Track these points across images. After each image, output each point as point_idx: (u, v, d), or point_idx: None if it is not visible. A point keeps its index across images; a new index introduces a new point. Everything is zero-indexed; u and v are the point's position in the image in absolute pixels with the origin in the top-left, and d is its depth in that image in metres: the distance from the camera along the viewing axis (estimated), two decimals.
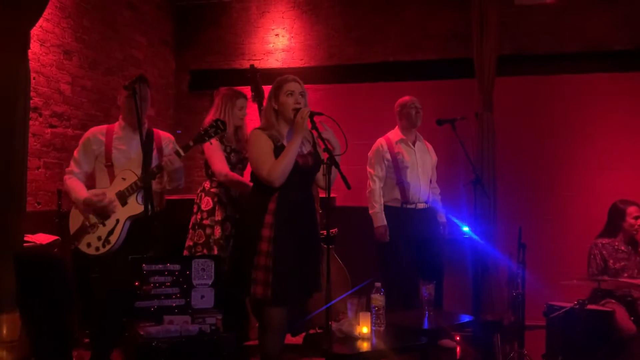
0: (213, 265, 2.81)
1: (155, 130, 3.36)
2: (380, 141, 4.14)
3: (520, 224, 3.88)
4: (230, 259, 3.35)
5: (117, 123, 3.30)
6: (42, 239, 3.55)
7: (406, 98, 4.15)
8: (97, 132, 3.24)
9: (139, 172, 3.07)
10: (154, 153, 3.24)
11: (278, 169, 2.82)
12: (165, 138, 3.36)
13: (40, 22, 3.81)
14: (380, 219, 4.01)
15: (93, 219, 3.11)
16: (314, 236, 3.00)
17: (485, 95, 4.70)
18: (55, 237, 3.67)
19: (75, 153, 3.25)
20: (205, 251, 3.41)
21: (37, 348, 3.25)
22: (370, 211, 4.05)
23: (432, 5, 5.32)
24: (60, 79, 4.28)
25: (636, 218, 3.97)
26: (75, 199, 3.14)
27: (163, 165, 3.05)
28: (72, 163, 3.26)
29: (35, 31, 3.73)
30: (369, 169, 4.12)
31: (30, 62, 3.20)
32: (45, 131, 4.14)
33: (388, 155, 4.07)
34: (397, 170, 4.03)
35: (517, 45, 5.12)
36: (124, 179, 3.11)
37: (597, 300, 3.85)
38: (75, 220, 3.17)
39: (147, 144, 3.17)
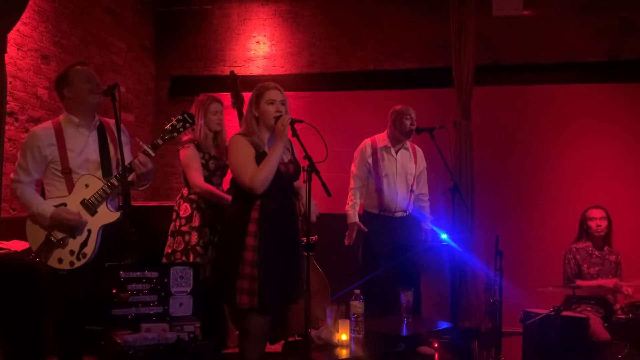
0: (192, 273, 2.78)
1: (103, 119, 3.00)
2: (366, 142, 4.17)
3: (497, 232, 3.93)
4: (210, 267, 3.34)
5: (60, 119, 2.92)
6: (17, 245, 3.48)
7: (404, 107, 4.09)
8: (45, 134, 2.84)
9: (98, 174, 2.85)
10: (112, 150, 2.93)
11: (260, 176, 2.82)
12: (114, 125, 2.92)
13: (18, 25, 3.75)
14: (350, 216, 4.08)
15: (59, 233, 2.81)
16: (296, 244, 3.00)
17: (463, 104, 4.78)
18: None
19: (22, 160, 2.86)
20: (184, 258, 3.38)
21: (10, 357, 3.19)
22: (345, 207, 4.12)
23: (412, 15, 5.39)
24: (37, 84, 4.22)
25: (593, 219, 4.07)
26: (38, 214, 2.81)
27: (133, 168, 2.80)
28: (18, 171, 2.87)
29: (12, 35, 3.67)
30: (352, 167, 4.18)
31: (6, 66, 3.16)
32: (21, 136, 4.07)
33: (370, 160, 4.11)
34: (376, 177, 4.07)
35: (494, 55, 5.21)
36: (87, 185, 2.82)
37: (572, 306, 3.92)
38: (36, 235, 2.84)
39: (102, 140, 2.86)
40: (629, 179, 4.99)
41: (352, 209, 4.10)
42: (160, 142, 2.86)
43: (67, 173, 2.82)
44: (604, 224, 4.07)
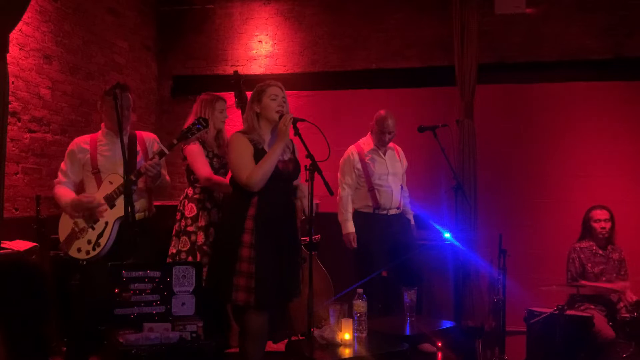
0: (194, 272, 2.78)
1: (138, 132, 3.38)
2: (352, 149, 4.13)
3: (500, 231, 3.92)
4: (210, 265, 3.34)
5: (100, 131, 3.32)
6: (20, 245, 3.49)
7: (383, 117, 4.04)
8: (80, 141, 3.27)
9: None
10: (139, 156, 3.26)
11: (258, 174, 2.82)
12: (149, 139, 3.39)
13: (20, 25, 3.76)
14: (348, 227, 4.04)
15: (82, 223, 3.13)
16: (294, 241, 3.00)
17: (466, 103, 4.76)
18: (34, 244, 3.61)
19: (62, 164, 3.29)
20: (190, 258, 3.38)
21: (12, 356, 3.19)
22: (339, 218, 4.07)
23: (414, 14, 5.38)
24: (40, 84, 4.22)
25: (597, 221, 4.04)
26: (64, 203, 3.17)
27: (142, 172, 3.07)
28: (59, 174, 3.29)
29: (14, 35, 3.68)
30: (339, 176, 4.12)
31: (9, 66, 3.16)
32: (23, 136, 4.08)
33: (359, 165, 4.07)
34: (368, 178, 4.04)
35: (497, 53, 5.19)
36: (110, 182, 3.13)
37: (576, 305, 3.90)
38: (65, 228, 3.18)
39: (130, 148, 3.20)
40: (633, 177, 4.97)
41: (349, 219, 4.04)
42: (175, 141, 3.13)
43: (96, 173, 3.21)
44: (608, 226, 4.04)
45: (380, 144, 4.10)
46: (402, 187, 4.16)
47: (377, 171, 4.06)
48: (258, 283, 2.78)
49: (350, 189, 4.10)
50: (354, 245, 4.01)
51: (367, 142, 4.16)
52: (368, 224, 4.04)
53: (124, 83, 3.15)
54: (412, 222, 4.21)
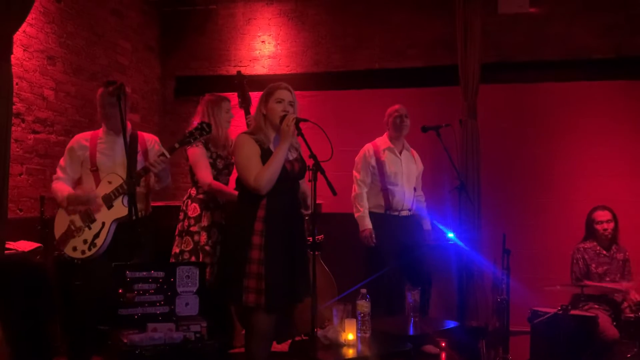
0: (198, 273, 2.79)
1: (139, 132, 3.38)
2: (368, 147, 4.17)
3: (504, 230, 3.91)
4: (217, 266, 3.34)
5: (101, 129, 3.31)
6: (24, 246, 3.50)
7: (394, 107, 4.17)
8: (81, 138, 3.26)
9: (124, 175, 3.07)
10: (139, 156, 3.24)
11: (265, 177, 2.81)
12: (150, 140, 3.37)
13: (24, 27, 3.77)
14: (365, 223, 4.04)
15: (79, 222, 3.12)
16: (302, 242, 3.00)
17: (470, 103, 4.75)
18: (38, 245, 3.62)
19: (61, 161, 3.29)
20: (193, 258, 3.39)
21: (16, 357, 3.20)
22: (356, 215, 4.08)
23: (417, 13, 5.37)
24: (43, 85, 4.23)
25: (600, 223, 4.03)
26: (61, 197, 3.17)
27: (148, 168, 3.06)
28: (58, 170, 3.28)
29: (18, 36, 3.69)
30: (354, 173, 4.16)
31: (12, 67, 3.17)
32: (28, 137, 4.10)
33: (374, 162, 4.10)
34: (382, 177, 4.06)
35: (500, 53, 5.18)
36: (109, 182, 3.11)
37: (580, 305, 3.89)
38: (61, 225, 3.17)
39: (131, 147, 3.18)
40: (637, 176, 4.95)
41: (366, 215, 4.04)
42: (177, 145, 3.09)
43: (94, 171, 3.19)
44: (611, 226, 4.02)
45: (398, 135, 4.12)
46: (414, 190, 4.17)
47: (392, 170, 4.07)
48: (268, 285, 2.78)
49: (365, 186, 4.12)
50: (373, 242, 3.99)
51: (383, 140, 4.19)
52: (379, 225, 4.04)
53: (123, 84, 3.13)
54: (428, 227, 4.21)
